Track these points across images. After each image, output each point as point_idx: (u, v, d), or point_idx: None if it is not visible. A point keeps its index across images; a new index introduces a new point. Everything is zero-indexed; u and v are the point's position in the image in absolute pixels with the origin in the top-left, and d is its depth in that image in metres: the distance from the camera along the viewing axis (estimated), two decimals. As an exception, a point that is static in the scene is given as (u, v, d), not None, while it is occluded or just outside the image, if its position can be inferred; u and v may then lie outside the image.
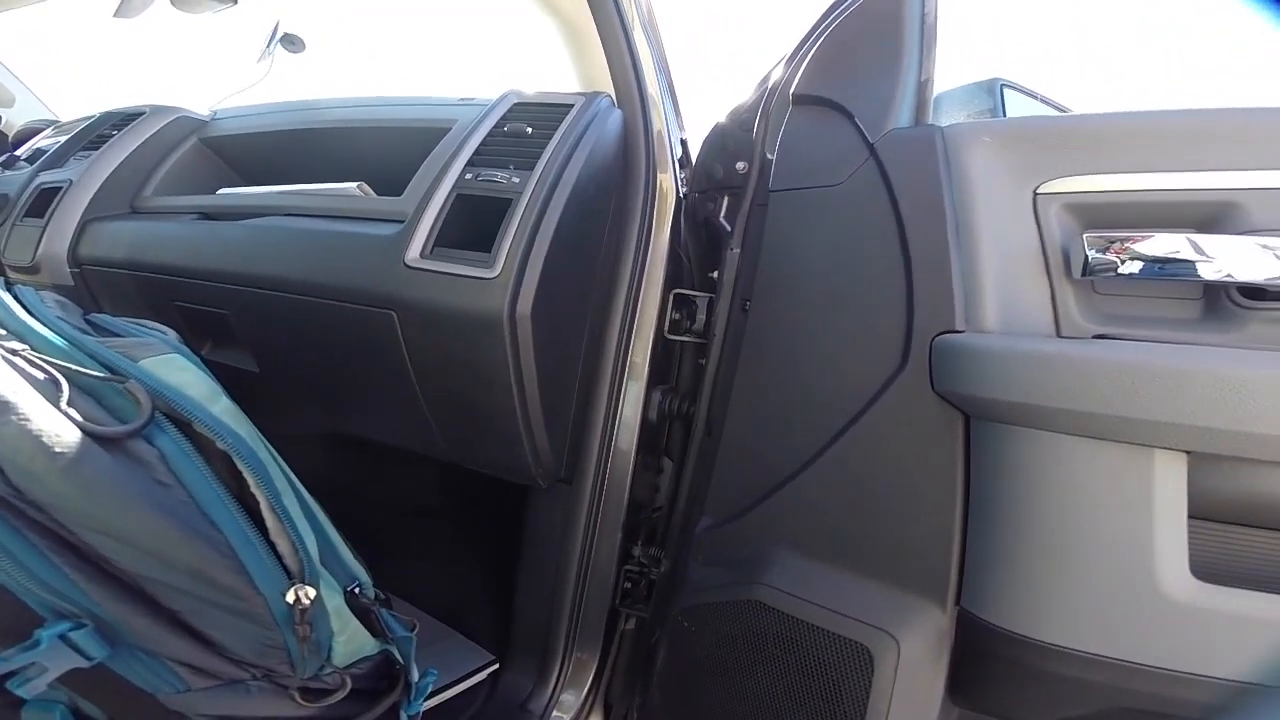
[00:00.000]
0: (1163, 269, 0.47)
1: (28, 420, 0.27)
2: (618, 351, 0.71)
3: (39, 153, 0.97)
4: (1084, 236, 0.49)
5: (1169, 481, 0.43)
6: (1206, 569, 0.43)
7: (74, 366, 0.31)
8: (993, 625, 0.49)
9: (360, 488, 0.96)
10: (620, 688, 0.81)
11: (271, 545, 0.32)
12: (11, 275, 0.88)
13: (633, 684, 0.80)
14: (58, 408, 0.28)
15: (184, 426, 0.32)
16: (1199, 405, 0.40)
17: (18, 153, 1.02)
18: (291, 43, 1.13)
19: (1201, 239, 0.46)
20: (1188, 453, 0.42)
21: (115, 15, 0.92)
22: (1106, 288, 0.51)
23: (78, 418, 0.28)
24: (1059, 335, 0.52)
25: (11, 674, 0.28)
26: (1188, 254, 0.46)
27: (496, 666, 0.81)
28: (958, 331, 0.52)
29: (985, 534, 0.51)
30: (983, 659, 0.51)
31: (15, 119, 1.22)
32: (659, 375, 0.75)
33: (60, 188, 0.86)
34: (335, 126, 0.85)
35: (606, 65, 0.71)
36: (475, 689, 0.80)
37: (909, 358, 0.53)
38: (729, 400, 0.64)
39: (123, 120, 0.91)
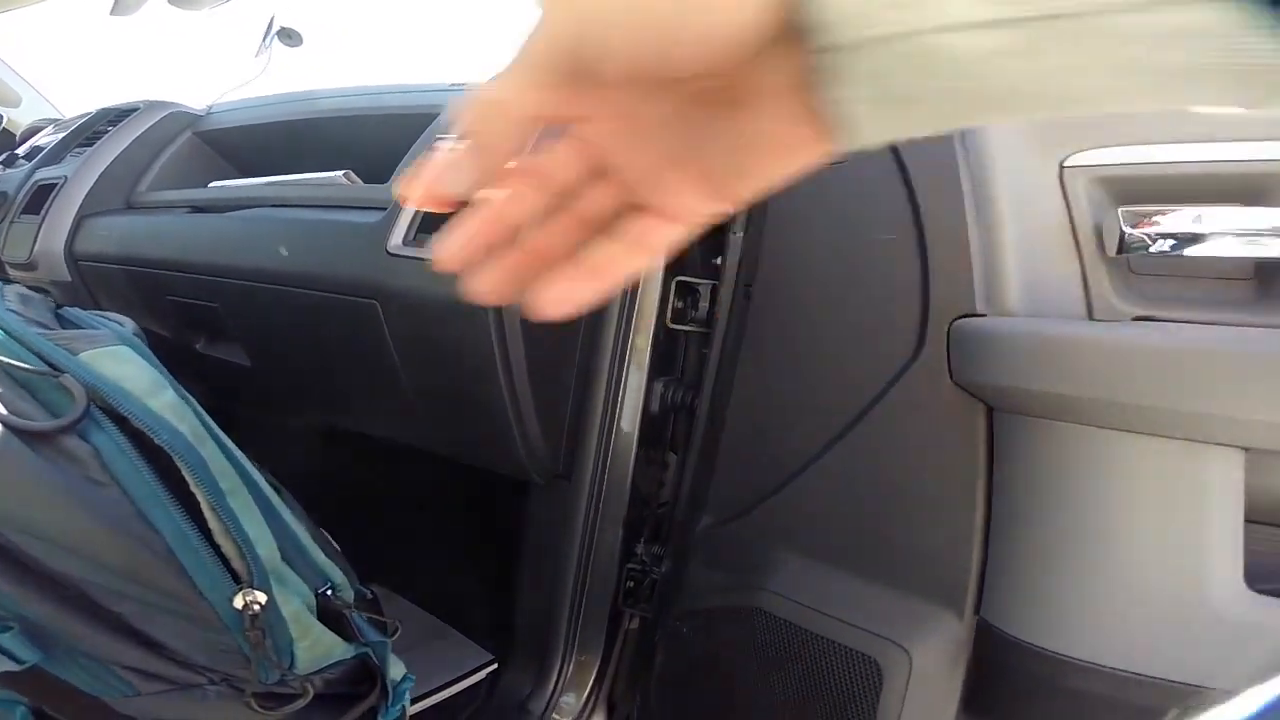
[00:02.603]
0: (1208, 245, 0.42)
1: None
2: (616, 342, 0.68)
3: (37, 150, 0.97)
4: (1118, 211, 0.45)
5: (1224, 481, 0.38)
6: (1264, 578, 0.38)
7: (7, 360, 0.29)
8: (1016, 638, 0.46)
9: (360, 482, 0.95)
10: (624, 689, 0.79)
11: (216, 547, 0.30)
12: (11, 273, 0.88)
13: (636, 685, 0.77)
14: None
15: (122, 422, 0.30)
16: (1262, 396, 0.35)
17: (18, 150, 1.02)
18: (289, 37, 1.12)
19: (1251, 213, 0.41)
20: (1245, 449, 0.38)
21: (111, 13, 0.91)
22: (1144, 266, 0.46)
23: (2, 412, 0.26)
24: (1091, 318, 0.47)
25: None
26: (1236, 228, 0.42)
27: (495, 666, 0.80)
28: (978, 315, 0.48)
29: (1009, 538, 0.47)
30: (1003, 674, 0.47)
31: (23, 118, 1.22)
32: (662, 366, 0.72)
33: (56, 184, 0.85)
34: (325, 116, 0.83)
35: None
36: (474, 689, 0.79)
37: (924, 344, 0.49)
38: (731, 392, 0.61)
39: (118, 116, 0.91)
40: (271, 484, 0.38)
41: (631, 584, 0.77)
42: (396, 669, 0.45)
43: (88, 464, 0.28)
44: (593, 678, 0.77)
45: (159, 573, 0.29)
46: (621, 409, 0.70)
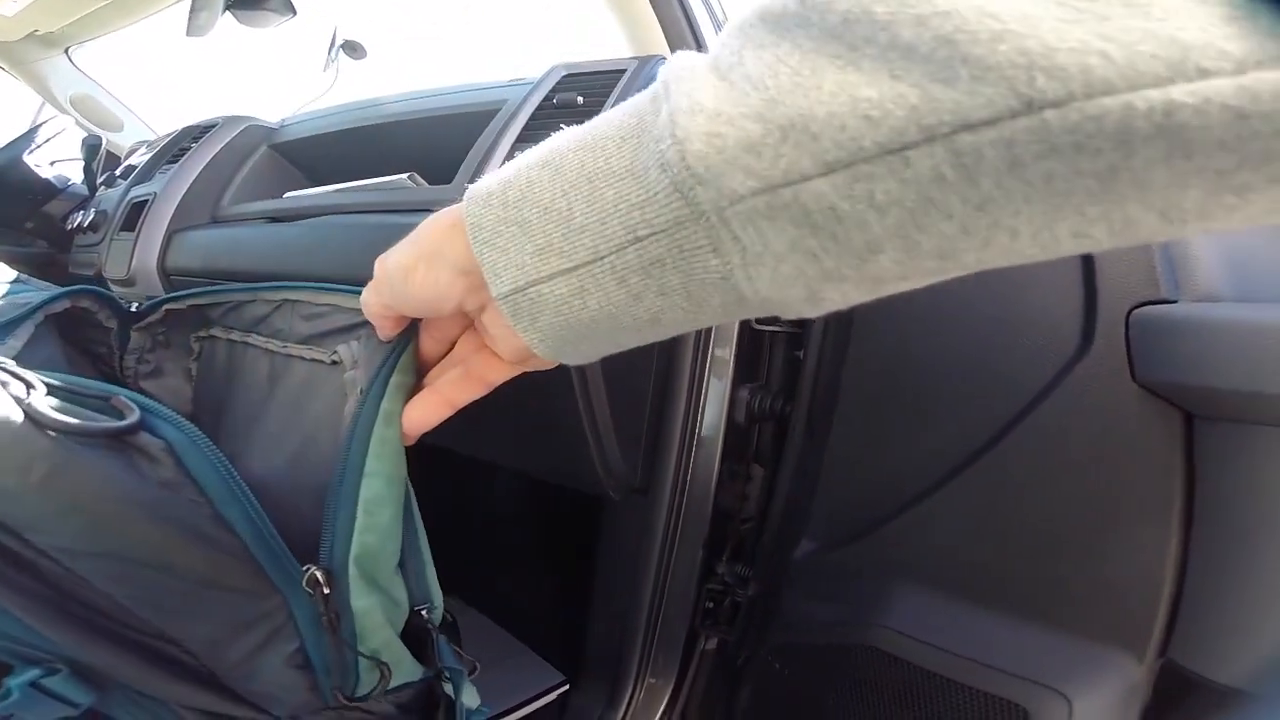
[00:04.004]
0: None
1: None
2: (696, 345, 0.62)
3: (130, 169, 1.02)
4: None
5: None
6: None
7: (59, 382, 0.26)
8: (1215, 682, 0.38)
9: (435, 496, 0.94)
10: (696, 714, 0.74)
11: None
12: (114, 289, 0.92)
13: (710, 712, 0.72)
14: (33, 409, 0.24)
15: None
16: None
17: (116, 171, 1.08)
18: (353, 49, 1.14)
19: None
20: None
21: (187, 35, 0.95)
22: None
23: (61, 417, 0.23)
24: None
25: None
26: None
27: (567, 688, 0.76)
28: (1166, 301, 0.38)
29: (1218, 569, 0.38)
30: None
31: (124, 142, 1.31)
32: (746, 371, 0.66)
33: (147, 200, 0.89)
34: (389, 121, 0.82)
35: (659, 27, 0.64)
36: (544, 710, 0.76)
37: (1093, 338, 0.40)
38: (835, 401, 0.53)
39: (200, 132, 0.94)
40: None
41: (710, 605, 0.71)
42: (471, 698, 0.41)
43: (161, 460, 0.25)
44: (664, 703, 0.72)
45: (237, 574, 0.27)
46: (702, 420, 0.64)
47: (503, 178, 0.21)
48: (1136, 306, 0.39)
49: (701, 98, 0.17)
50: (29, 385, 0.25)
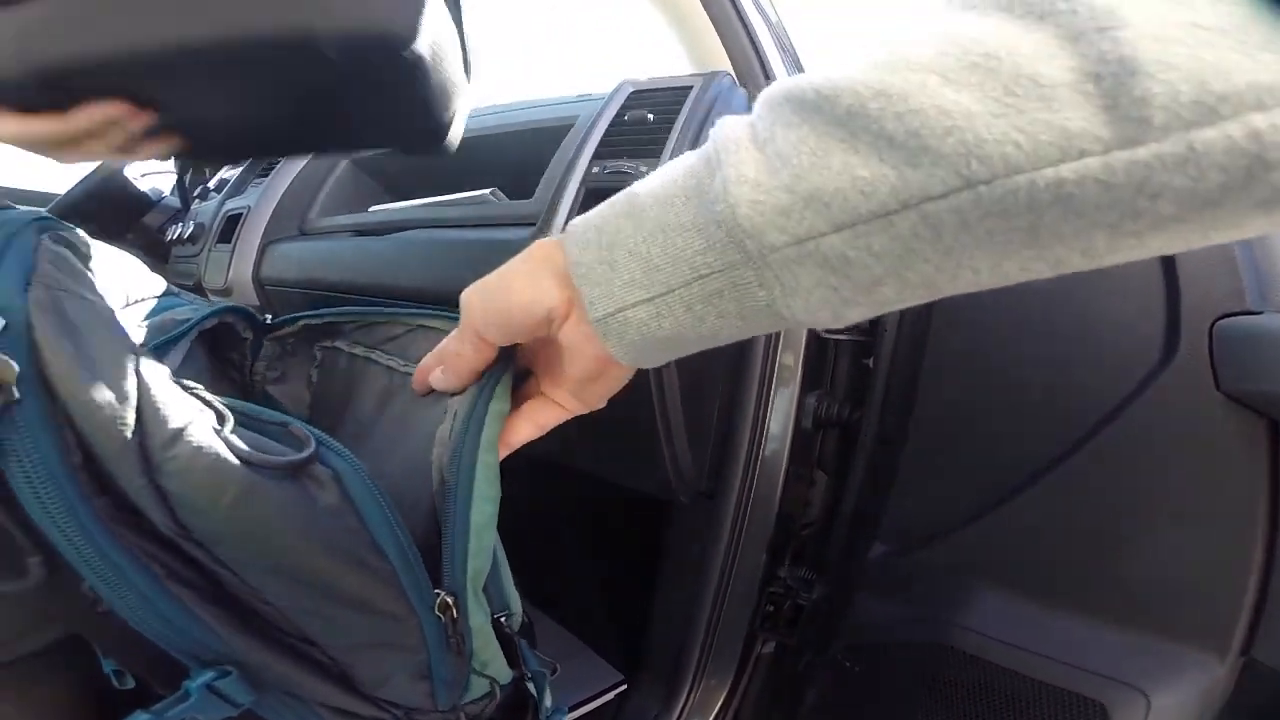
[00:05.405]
0: None
1: (200, 452, 0.26)
2: (766, 352, 0.64)
3: (224, 183, 1.10)
4: None
5: None
6: None
7: (241, 410, 0.30)
8: None
9: (504, 495, 0.98)
10: (750, 716, 0.74)
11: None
12: (211, 298, 1.00)
13: (765, 715, 0.72)
14: (228, 439, 0.27)
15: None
16: None
17: (210, 184, 1.17)
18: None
19: None
20: None
21: None
22: None
23: (250, 450, 0.27)
24: None
25: None
26: None
27: (625, 687, 0.78)
28: (1253, 313, 0.39)
29: None
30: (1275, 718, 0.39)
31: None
32: (812, 378, 0.67)
33: (241, 214, 0.96)
34: (468, 136, 0.86)
35: (721, 45, 0.66)
36: (602, 709, 0.77)
37: (1178, 347, 0.41)
38: (911, 407, 0.54)
39: (286, 150, 1.00)
40: None
41: (771, 608, 0.72)
42: (550, 699, 0.43)
43: (329, 487, 0.28)
44: (719, 704, 0.73)
45: (385, 598, 0.29)
46: (769, 426, 0.65)
47: (595, 225, 0.26)
48: (1221, 317, 0.39)
49: (746, 170, 0.22)
50: (220, 415, 0.28)
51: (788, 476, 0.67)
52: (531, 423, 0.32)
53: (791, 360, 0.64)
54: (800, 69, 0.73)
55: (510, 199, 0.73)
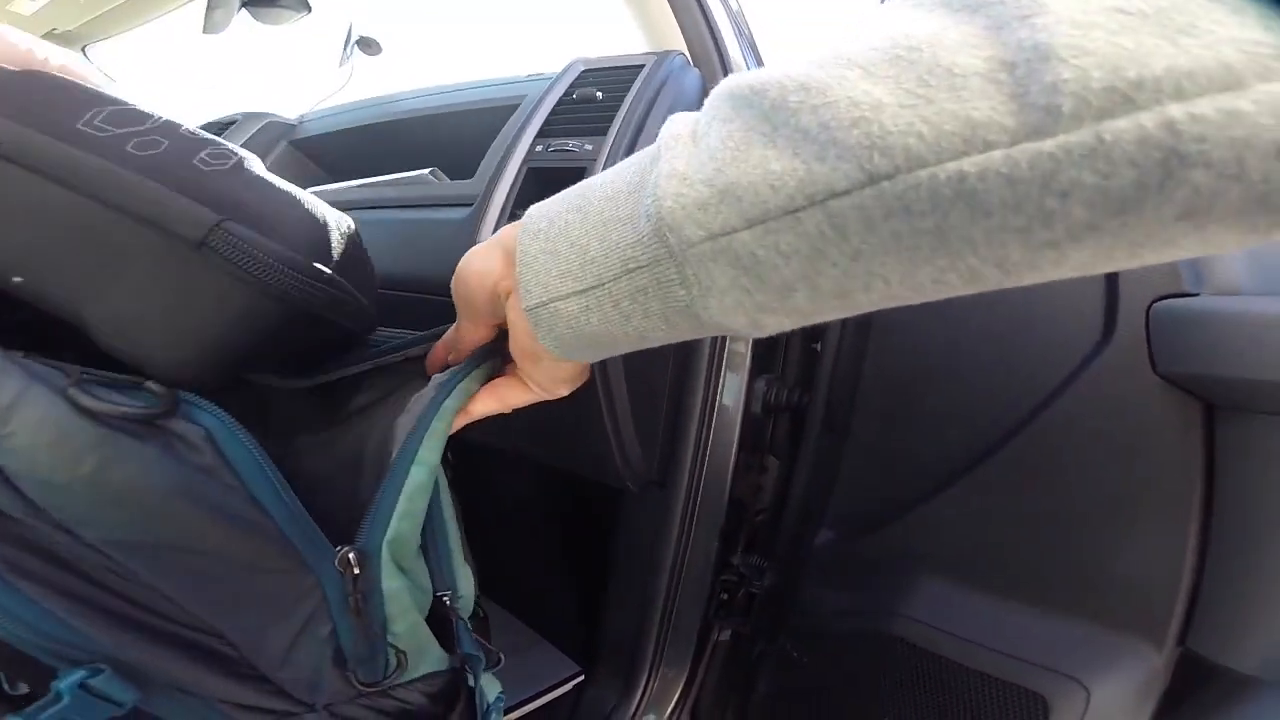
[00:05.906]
0: None
1: (44, 421, 0.23)
2: (714, 339, 0.63)
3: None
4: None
5: None
6: None
7: (84, 370, 0.27)
8: (1233, 671, 0.39)
9: (455, 485, 0.95)
10: (709, 705, 0.74)
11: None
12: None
13: (723, 702, 0.72)
14: (74, 398, 0.24)
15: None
16: None
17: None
18: (368, 45, 1.14)
19: None
20: None
21: (203, 32, 0.96)
22: None
23: (104, 406, 0.24)
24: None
25: None
26: None
27: (582, 678, 0.77)
28: (1188, 295, 0.39)
29: (1237, 559, 0.38)
30: (1208, 712, 0.40)
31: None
32: (762, 363, 0.66)
33: (169, 197, 0.90)
34: (408, 117, 0.83)
35: (677, 24, 0.65)
36: (559, 701, 0.76)
37: (1114, 330, 0.41)
38: (856, 392, 0.54)
39: (219, 129, 0.95)
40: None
41: (725, 596, 0.72)
42: (492, 688, 0.41)
43: (200, 448, 0.26)
44: (678, 693, 0.73)
45: (272, 556, 0.27)
46: (719, 413, 0.64)
47: (548, 214, 0.26)
48: (1158, 299, 0.40)
49: (677, 164, 0.21)
50: (66, 375, 0.25)
51: (738, 463, 0.66)
52: (495, 398, 0.32)
53: (741, 346, 0.63)
54: (755, 52, 0.72)
55: (454, 179, 0.70)
